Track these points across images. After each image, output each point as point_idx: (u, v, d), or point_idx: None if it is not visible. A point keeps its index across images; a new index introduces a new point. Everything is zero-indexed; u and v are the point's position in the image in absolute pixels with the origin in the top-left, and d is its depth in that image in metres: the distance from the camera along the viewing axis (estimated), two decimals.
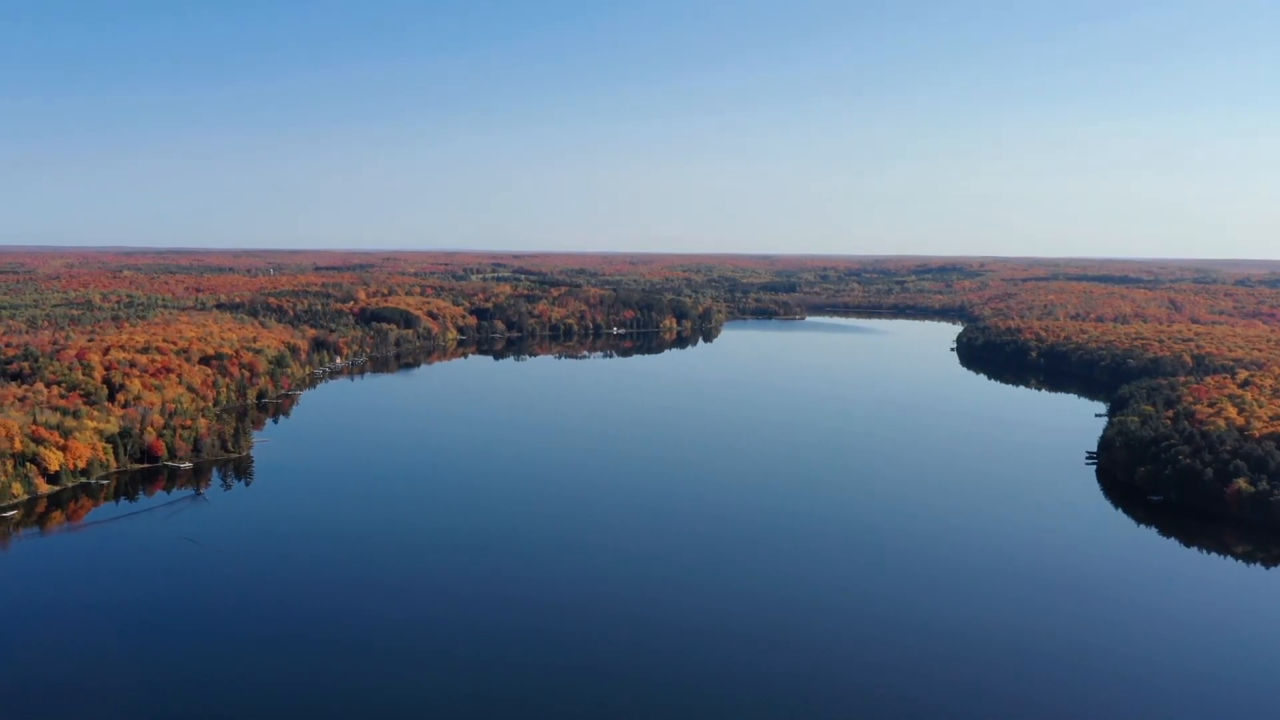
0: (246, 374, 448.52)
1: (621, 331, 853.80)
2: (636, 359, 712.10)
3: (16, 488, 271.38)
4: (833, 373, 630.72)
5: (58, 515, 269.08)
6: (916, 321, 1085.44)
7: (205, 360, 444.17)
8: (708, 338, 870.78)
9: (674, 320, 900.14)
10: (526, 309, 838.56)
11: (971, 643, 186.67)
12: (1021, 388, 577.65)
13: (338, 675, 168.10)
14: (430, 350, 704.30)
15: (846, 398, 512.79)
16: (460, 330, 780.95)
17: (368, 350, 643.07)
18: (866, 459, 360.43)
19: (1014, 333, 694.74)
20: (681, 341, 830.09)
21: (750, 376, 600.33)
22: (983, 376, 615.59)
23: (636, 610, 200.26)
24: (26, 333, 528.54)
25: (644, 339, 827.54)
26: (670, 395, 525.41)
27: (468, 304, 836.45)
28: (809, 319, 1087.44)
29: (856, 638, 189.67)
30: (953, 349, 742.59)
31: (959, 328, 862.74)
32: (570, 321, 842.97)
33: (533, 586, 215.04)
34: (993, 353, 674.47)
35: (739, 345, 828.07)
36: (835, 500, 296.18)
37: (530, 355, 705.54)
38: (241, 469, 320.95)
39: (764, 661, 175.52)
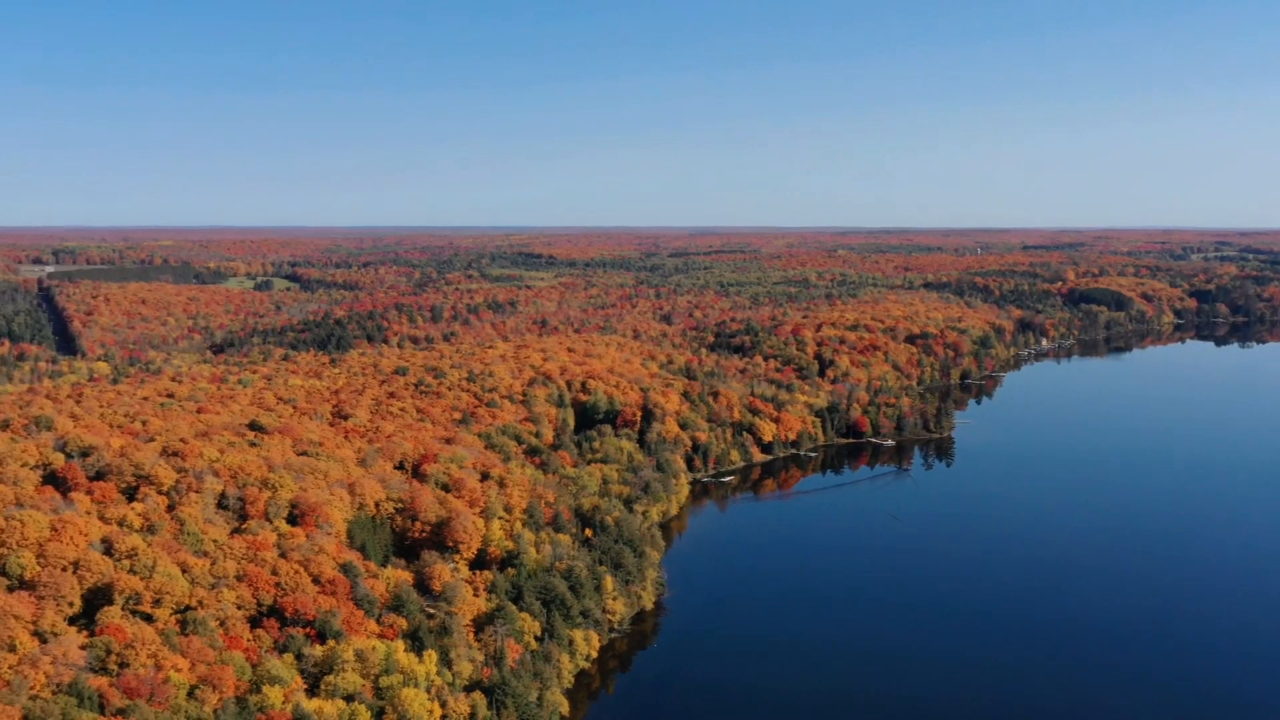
0: (950, 354, 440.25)
1: None
2: None
3: (734, 455, 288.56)
4: None
5: (769, 483, 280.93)
6: None
7: (910, 339, 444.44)
8: None
9: None
10: (1254, 292, 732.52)
11: None
12: None
13: (1030, 663, 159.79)
14: (1143, 334, 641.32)
15: None
16: (1177, 314, 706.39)
17: (1075, 333, 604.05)
18: None
19: None
20: None
21: None
22: None
23: None
24: (749, 308, 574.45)
25: None
26: None
27: (1186, 285, 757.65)
28: None
29: None
30: None
31: None
32: None
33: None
34: None
35: None
36: None
37: (1258, 343, 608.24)
38: (942, 449, 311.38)
39: None
